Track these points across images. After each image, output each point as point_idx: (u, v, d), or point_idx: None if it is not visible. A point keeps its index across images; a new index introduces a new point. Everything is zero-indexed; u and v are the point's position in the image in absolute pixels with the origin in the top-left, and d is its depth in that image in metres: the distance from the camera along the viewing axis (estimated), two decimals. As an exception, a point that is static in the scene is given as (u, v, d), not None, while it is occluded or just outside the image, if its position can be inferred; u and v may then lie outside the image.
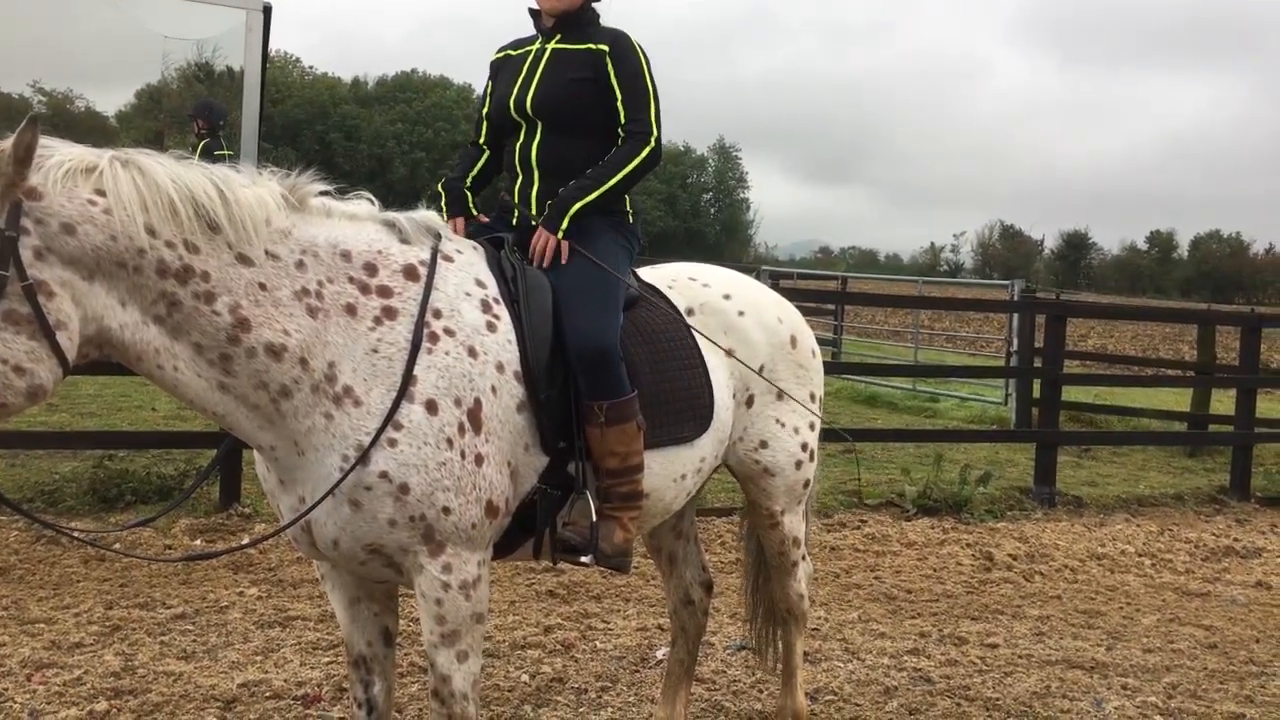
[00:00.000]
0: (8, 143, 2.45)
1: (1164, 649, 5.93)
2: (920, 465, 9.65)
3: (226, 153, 9.10)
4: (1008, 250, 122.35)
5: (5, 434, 7.98)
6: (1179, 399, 14.35)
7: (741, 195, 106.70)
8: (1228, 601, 6.98)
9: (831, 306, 18.90)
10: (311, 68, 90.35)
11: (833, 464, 10.36)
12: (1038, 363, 10.82)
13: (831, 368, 14.40)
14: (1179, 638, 6.14)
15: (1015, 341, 12.93)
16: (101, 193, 2.56)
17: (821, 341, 19.72)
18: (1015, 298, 13.44)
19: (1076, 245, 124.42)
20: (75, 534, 3.41)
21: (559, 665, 5.13)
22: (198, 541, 6.54)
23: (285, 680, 4.72)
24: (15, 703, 4.33)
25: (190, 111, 10.48)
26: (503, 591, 6.17)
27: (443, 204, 3.61)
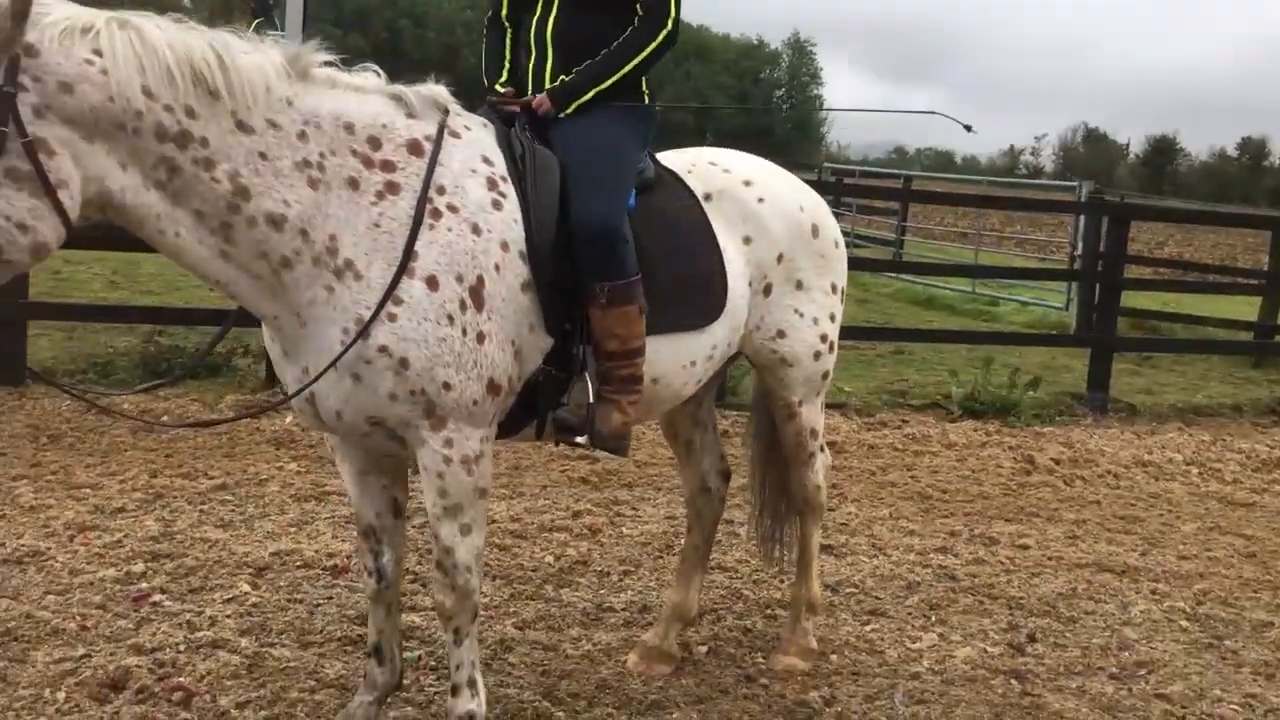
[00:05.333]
0: None
1: (1200, 556, 5.86)
2: (971, 368, 9.53)
3: (279, 33, 9.07)
4: (1090, 155, 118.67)
5: (63, 306, 8.23)
6: (1251, 308, 13.92)
7: (815, 92, 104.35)
8: (1273, 512, 6.85)
9: (896, 207, 18.54)
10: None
11: (880, 364, 10.28)
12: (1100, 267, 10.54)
13: (886, 266, 14.26)
14: (1217, 546, 6.06)
15: (1079, 245, 12.61)
16: (99, 53, 2.55)
17: (884, 243, 19.43)
18: (1082, 199, 13.04)
19: (1163, 151, 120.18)
20: (85, 396, 3.53)
21: (584, 549, 5.22)
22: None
23: (316, 551, 4.87)
24: (57, 561, 4.52)
25: None
26: (535, 476, 6.26)
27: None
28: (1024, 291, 15.39)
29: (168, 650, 3.85)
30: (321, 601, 4.39)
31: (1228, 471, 7.71)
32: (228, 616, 4.17)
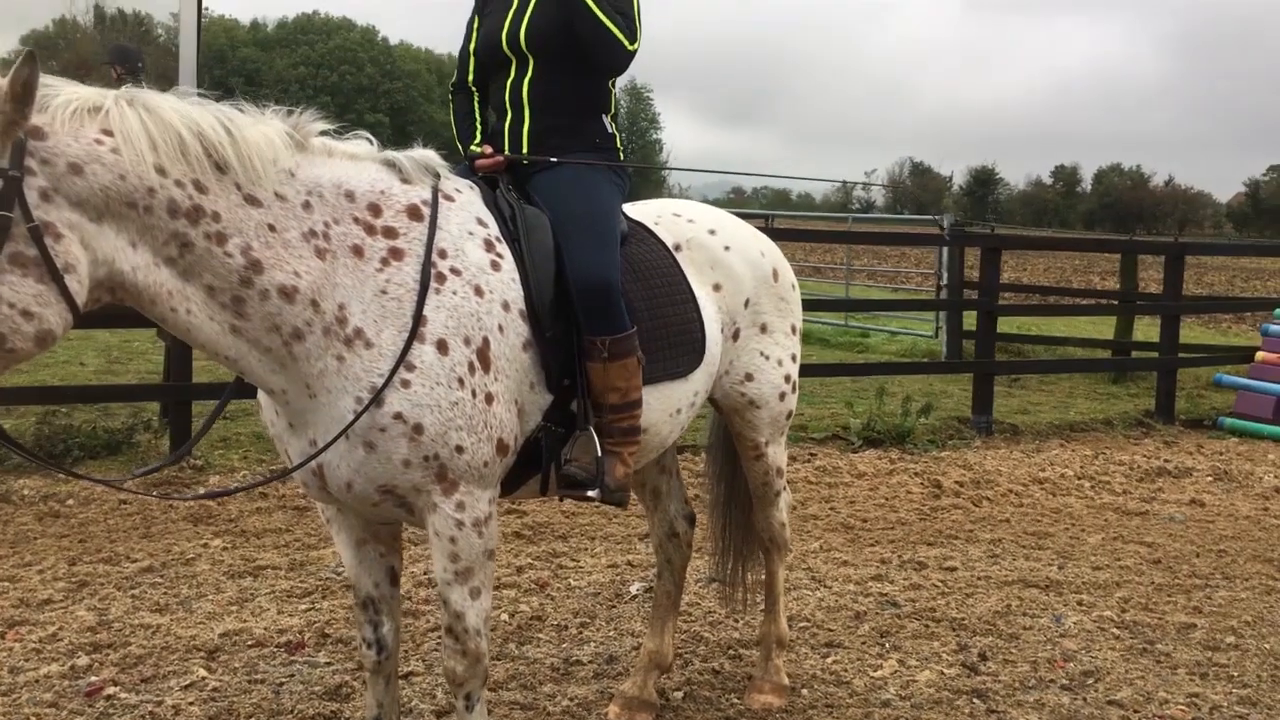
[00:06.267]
0: (4, 80, 2.36)
1: (1112, 566, 6.18)
2: (860, 399, 9.83)
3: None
4: (919, 187, 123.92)
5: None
6: (1098, 327, 14.76)
7: (654, 137, 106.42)
8: (1165, 519, 7.28)
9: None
10: (208, 10, 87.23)
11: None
12: (971, 295, 11.05)
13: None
14: (1125, 555, 6.40)
15: (946, 275, 13.18)
16: (109, 132, 2.49)
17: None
18: (945, 232, 13.67)
19: (984, 181, 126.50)
20: (101, 481, 3.37)
21: (536, 604, 5.18)
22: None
23: (265, 628, 4.70)
24: (-8, 661, 4.25)
25: (106, 58, 10.14)
26: (469, 534, 6.18)
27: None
28: (890, 322, 15.98)
29: (136, 745, 3.67)
30: (284, 680, 4.24)
31: (1115, 483, 8.15)
32: (190, 704, 3.99)
